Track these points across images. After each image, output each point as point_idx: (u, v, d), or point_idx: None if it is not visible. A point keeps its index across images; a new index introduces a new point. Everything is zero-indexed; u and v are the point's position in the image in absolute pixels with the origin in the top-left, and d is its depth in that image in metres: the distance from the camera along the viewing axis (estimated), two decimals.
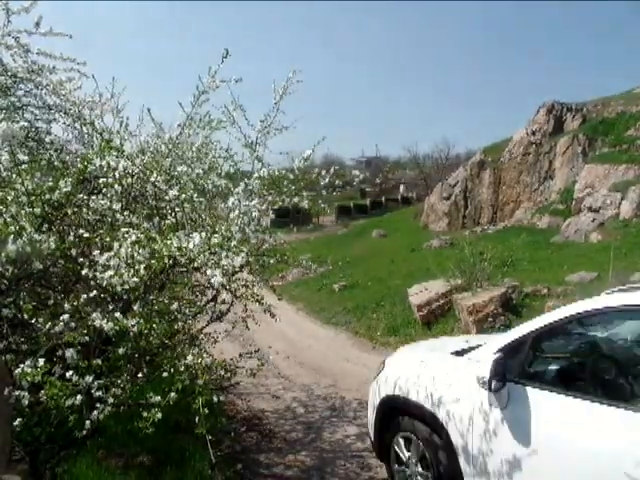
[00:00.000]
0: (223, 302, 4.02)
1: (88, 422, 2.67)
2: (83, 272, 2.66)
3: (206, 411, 2.57)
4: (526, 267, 11.05)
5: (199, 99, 3.42)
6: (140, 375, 3.03)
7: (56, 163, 3.21)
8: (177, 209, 3.35)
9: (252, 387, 6.13)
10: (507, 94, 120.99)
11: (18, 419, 2.60)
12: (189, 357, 2.65)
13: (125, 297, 2.96)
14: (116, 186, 3.07)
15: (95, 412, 2.68)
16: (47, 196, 2.81)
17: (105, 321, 2.55)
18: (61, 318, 2.66)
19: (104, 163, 2.89)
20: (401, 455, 3.33)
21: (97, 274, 2.64)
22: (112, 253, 2.56)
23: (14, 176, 2.58)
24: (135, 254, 2.57)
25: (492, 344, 2.87)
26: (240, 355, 4.14)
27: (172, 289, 3.86)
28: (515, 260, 10.97)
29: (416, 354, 3.68)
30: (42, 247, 2.50)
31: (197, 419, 2.46)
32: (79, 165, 2.95)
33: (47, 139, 3.79)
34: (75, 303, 2.75)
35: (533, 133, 19.67)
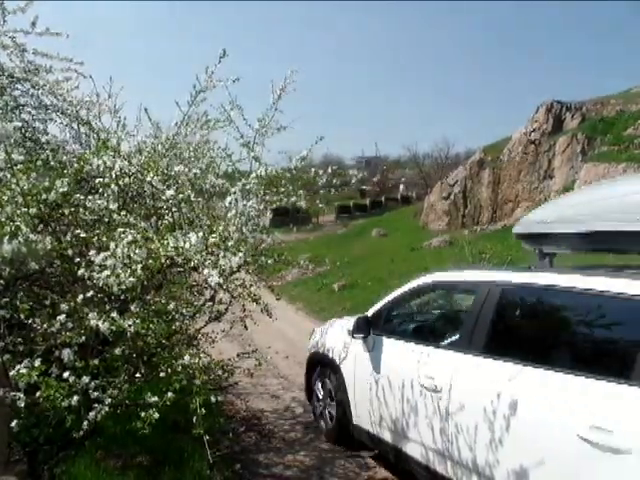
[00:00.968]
0: (220, 302, 4.01)
1: (85, 423, 2.66)
2: (79, 272, 2.64)
3: (204, 411, 2.56)
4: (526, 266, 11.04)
5: (196, 98, 3.41)
6: (138, 375, 3.03)
7: (52, 163, 3.20)
8: (174, 209, 3.34)
9: (251, 387, 6.12)
10: (507, 94, 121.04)
11: (15, 420, 2.59)
12: (186, 357, 2.64)
13: (122, 297, 2.95)
14: (113, 186, 3.06)
15: (92, 413, 2.67)
16: (43, 196, 2.79)
17: (102, 321, 2.54)
18: (58, 318, 2.66)
19: (100, 163, 2.88)
20: (319, 394, 4.75)
21: (94, 274, 2.63)
22: (108, 253, 2.55)
23: (9, 176, 2.57)
24: (132, 254, 2.56)
25: (368, 313, 4.16)
26: (238, 355, 4.13)
27: (170, 289, 3.85)
28: (515, 259, 10.95)
29: (332, 324, 4.84)
30: (38, 247, 2.49)
31: (194, 419, 2.45)
32: (75, 165, 2.94)
33: (44, 139, 3.78)
34: (72, 303, 2.74)
35: (532, 132, 19.66)
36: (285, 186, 3.45)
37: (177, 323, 3.44)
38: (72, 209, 3.04)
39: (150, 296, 3.19)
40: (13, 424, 2.56)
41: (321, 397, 4.68)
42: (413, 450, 3.36)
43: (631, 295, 2.28)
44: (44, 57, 3.86)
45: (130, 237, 2.59)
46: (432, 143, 64.37)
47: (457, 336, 3.34)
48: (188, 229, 3.06)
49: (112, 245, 2.60)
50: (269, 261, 3.99)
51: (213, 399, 2.76)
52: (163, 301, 3.29)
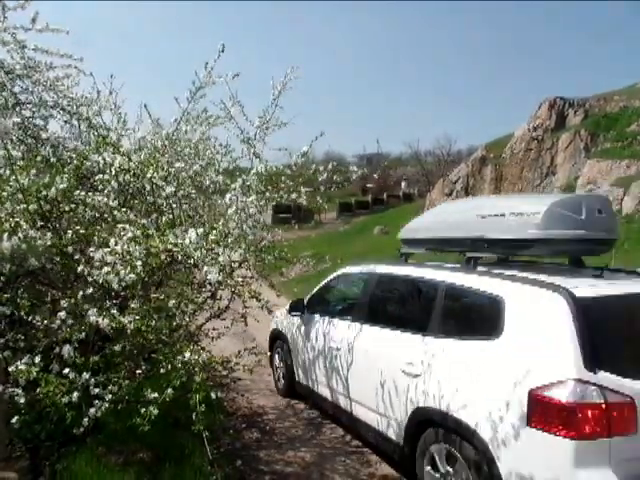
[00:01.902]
0: (220, 299, 4.01)
1: (86, 419, 2.66)
2: (79, 269, 2.65)
3: (204, 408, 2.56)
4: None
5: (196, 94, 3.40)
6: (138, 372, 3.03)
7: (52, 160, 3.20)
8: (174, 206, 3.34)
9: (252, 384, 6.12)
10: (507, 93, 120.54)
11: (16, 416, 2.60)
12: (186, 354, 2.64)
13: (122, 294, 2.96)
14: (113, 182, 3.05)
15: (93, 409, 2.68)
16: (43, 193, 2.80)
17: (102, 318, 2.54)
18: (58, 315, 2.66)
19: (100, 159, 2.87)
20: (276, 362, 5.93)
21: (94, 271, 2.63)
22: (108, 250, 2.54)
23: (7, 172, 2.57)
24: (132, 250, 2.56)
25: (305, 297, 5.39)
26: (239, 352, 4.13)
27: (170, 286, 3.85)
28: (517, 256, 10.91)
29: (286, 307, 5.57)
30: (38, 244, 2.49)
31: (194, 416, 2.45)
32: (75, 162, 2.93)
33: (44, 136, 3.77)
34: (72, 300, 2.74)
35: (535, 129, 19.59)
36: (285, 183, 3.44)
37: (178, 320, 3.44)
38: (72, 206, 3.04)
39: (150, 293, 3.19)
40: (14, 420, 2.56)
41: (277, 364, 5.92)
42: (324, 391, 4.71)
43: (428, 279, 3.67)
44: (44, 53, 3.86)
45: (130, 234, 2.59)
46: (434, 140, 64.18)
47: (351, 310, 4.54)
48: (188, 226, 3.06)
49: (112, 242, 2.60)
50: (270, 258, 3.99)
51: (213, 396, 2.76)
52: (163, 298, 3.28)
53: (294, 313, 5.30)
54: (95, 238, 2.91)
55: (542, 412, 2.54)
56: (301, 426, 5.00)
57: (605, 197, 4.65)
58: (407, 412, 3.37)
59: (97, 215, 3.28)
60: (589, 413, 2.44)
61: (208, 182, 3.77)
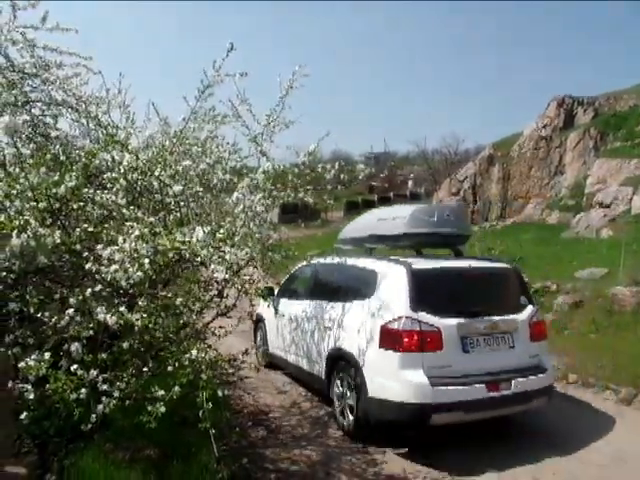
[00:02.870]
0: (227, 297, 4.02)
1: (94, 416, 2.68)
2: (87, 266, 2.66)
3: (211, 405, 2.57)
4: (535, 263, 10.94)
5: (204, 92, 3.40)
6: (145, 369, 3.04)
7: (62, 158, 3.22)
8: (182, 204, 3.35)
9: (259, 382, 6.13)
10: (516, 92, 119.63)
11: (25, 412, 2.62)
12: (193, 352, 2.65)
13: (130, 292, 2.97)
14: (121, 180, 3.07)
15: (101, 406, 2.70)
16: (53, 190, 2.81)
17: (109, 315, 2.55)
18: (67, 312, 2.68)
19: (109, 157, 2.89)
20: (257, 339, 6.93)
21: (102, 268, 2.65)
22: (116, 247, 2.56)
23: (17, 170, 2.59)
24: (139, 248, 2.57)
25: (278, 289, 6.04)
26: (246, 350, 4.14)
27: (178, 284, 3.86)
28: (524, 256, 10.87)
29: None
30: (47, 241, 2.51)
31: (201, 413, 2.46)
32: (84, 160, 2.95)
33: (54, 134, 3.80)
34: (81, 297, 2.76)
35: (544, 127, 19.45)
36: (292, 181, 3.44)
37: (185, 318, 3.46)
38: (81, 204, 3.06)
39: (158, 291, 3.21)
40: (23, 416, 2.59)
41: (257, 341, 6.91)
42: (282, 354, 5.95)
43: (341, 264, 5.04)
44: (54, 52, 3.89)
45: (138, 232, 2.60)
46: (441, 139, 63.98)
47: (302, 292, 5.78)
48: (196, 224, 3.07)
49: (120, 239, 2.62)
50: (276, 256, 3.99)
51: (220, 393, 2.77)
52: (171, 296, 3.30)
53: (268, 299, 5.52)
54: (103, 236, 2.93)
55: (386, 337, 4.03)
56: (307, 424, 5.01)
57: (455, 205, 7.27)
58: (326, 354, 4.80)
59: (105, 213, 3.30)
60: (411, 337, 3.93)
61: (216, 180, 3.78)
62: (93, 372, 2.63)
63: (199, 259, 2.66)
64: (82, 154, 3.15)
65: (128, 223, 2.77)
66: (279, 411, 5.38)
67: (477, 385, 3.96)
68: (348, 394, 4.45)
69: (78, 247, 2.86)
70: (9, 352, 2.80)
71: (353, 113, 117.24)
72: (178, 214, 3.36)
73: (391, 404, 4.00)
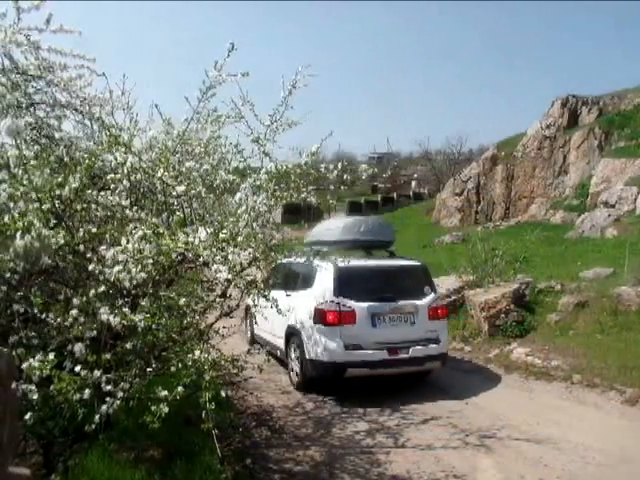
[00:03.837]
0: (230, 297, 4.02)
1: (97, 416, 2.69)
2: (90, 267, 2.67)
3: (214, 406, 2.57)
4: (539, 263, 10.90)
5: (206, 93, 3.40)
6: (149, 370, 3.05)
7: (66, 159, 3.23)
8: (185, 205, 3.36)
9: (262, 382, 6.14)
10: (519, 92, 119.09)
11: (29, 413, 2.63)
12: (196, 352, 2.65)
13: (133, 292, 2.98)
14: (124, 181, 3.08)
15: (105, 406, 2.70)
16: (57, 192, 2.82)
17: (113, 316, 2.56)
18: (70, 313, 2.69)
19: (112, 158, 2.90)
20: (247, 324, 7.85)
21: (105, 269, 2.66)
22: (120, 248, 2.57)
23: (20, 172, 2.60)
24: (143, 249, 2.58)
25: None
26: (248, 350, 4.14)
27: (181, 284, 3.87)
28: (528, 256, 10.83)
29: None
30: (50, 242, 2.52)
31: (204, 414, 2.46)
32: (87, 161, 2.96)
33: (57, 136, 3.81)
34: (84, 298, 2.77)
35: (547, 127, 19.38)
36: (295, 182, 3.44)
37: (188, 318, 3.47)
38: (84, 205, 3.07)
39: (161, 291, 3.22)
40: (27, 416, 2.59)
41: (247, 326, 7.88)
42: (261, 333, 6.99)
43: (299, 262, 5.89)
44: (58, 54, 3.89)
45: (141, 232, 2.61)
46: (444, 139, 63.91)
47: (277, 284, 6.26)
48: (199, 225, 3.08)
49: (124, 240, 2.62)
50: (279, 257, 3.99)
51: (223, 394, 2.77)
52: (172, 295, 3.30)
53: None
54: (107, 237, 2.94)
55: (316, 315, 5.61)
56: (311, 425, 5.01)
57: (378, 220, 7.73)
58: (284, 331, 6.25)
59: (109, 214, 3.31)
60: (332, 315, 5.55)
61: (218, 181, 3.77)
62: (97, 372, 2.64)
63: (202, 259, 2.66)
64: (86, 155, 3.16)
65: (131, 224, 2.78)
66: (282, 411, 5.38)
67: (381, 350, 5.58)
68: (295, 358, 6.07)
69: (82, 248, 2.87)
70: (13, 353, 2.81)
71: (356, 113, 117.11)
72: (181, 215, 3.37)
73: (320, 363, 5.62)
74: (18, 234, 2.42)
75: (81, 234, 2.93)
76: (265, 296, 3.53)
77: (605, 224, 13.58)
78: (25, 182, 2.52)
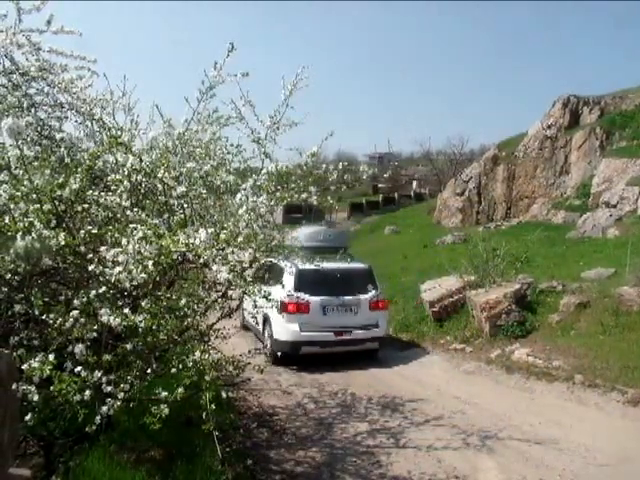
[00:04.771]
0: (231, 298, 4.02)
1: (98, 417, 2.68)
2: (91, 268, 2.67)
3: (214, 407, 2.57)
4: (541, 263, 10.88)
5: (206, 94, 3.40)
6: (149, 371, 3.05)
7: (67, 160, 3.23)
8: (186, 205, 3.36)
9: (263, 383, 6.14)
10: (521, 92, 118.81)
11: (30, 414, 2.62)
12: (197, 353, 2.65)
13: (134, 293, 2.98)
14: (125, 182, 3.07)
15: (105, 407, 2.70)
16: (58, 192, 2.82)
17: (113, 317, 2.56)
18: (71, 314, 2.68)
19: (112, 159, 2.89)
20: (240, 312, 7.53)
21: (106, 270, 2.65)
22: (120, 249, 2.56)
23: (20, 172, 2.60)
24: (143, 250, 2.58)
25: None
26: (249, 351, 4.14)
27: (182, 285, 3.87)
28: (530, 256, 10.80)
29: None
30: (51, 243, 2.52)
31: (204, 414, 2.46)
32: (87, 162, 2.96)
33: (58, 137, 3.81)
34: (85, 299, 2.76)
35: (549, 127, 19.33)
36: (296, 182, 3.44)
37: (189, 319, 3.46)
38: (85, 206, 3.06)
39: (162, 292, 3.21)
40: (28, 417, 2.59)
41: (239, 314, 8.29)
42: (249, 319, 6.89)
43: (276, 263, 6.78)
44: (59, 55, 3.89)
45: (141, 233, 2.60)
46: (445, 140, 63.84)
47: (259, 279, 6.49)
48: (199, 225, 3.07)
49: (124, 241, 2.62)
50: (280, 258, 3.97)
51: (224, 395, 2.77)
52: (175, 297, 3.30)
53: None
54: (108, 238, 2.93)
55: (282, 306, 6.60)
56: (312, 426, 5.00)
57: (337, 229, 10.35)
58: (261, 317, 7.25)
59: (110, 215, 3.30)
60: (292, 305, 7.05)
61: (219, 182, 3.77)
62: (97, 373, 2.64)
63: (202, 260, 2.65)
64: (86, 156, 3.16)
65: (132, 225, 2.77)
66: (283, 412, 5.38)
67: (329, 332, 7.21)
68: (268, 338, 7.53)
69: (82, 249, 2.87)
70: (14, 354, 2.81)
71: (358, 113, 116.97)
72: (182, 215, 3.37)
73: (282, 341, 7.20)
74: (19, 235, 2.42)
75: (82, 235, 2.92)
76: (266, 297, 3.52)
77: (607, 224, 13.55)
78: (26, 183, 2.52)
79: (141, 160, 3.04)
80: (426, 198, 38.15)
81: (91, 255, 2.81)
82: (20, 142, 2.45)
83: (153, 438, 3.69)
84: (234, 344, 5.04)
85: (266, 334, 7.62)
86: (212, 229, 2.70)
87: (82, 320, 2.69)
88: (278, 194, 3.22)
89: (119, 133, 3.53)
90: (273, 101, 3.66)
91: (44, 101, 4.07)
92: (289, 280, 6.90)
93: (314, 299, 7.17)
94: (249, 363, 4.00)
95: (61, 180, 2.87)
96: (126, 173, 3.06)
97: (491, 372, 6.79)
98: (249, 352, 4.23)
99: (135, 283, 2.63)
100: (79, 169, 2.98)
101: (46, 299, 3.02)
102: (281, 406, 5.56)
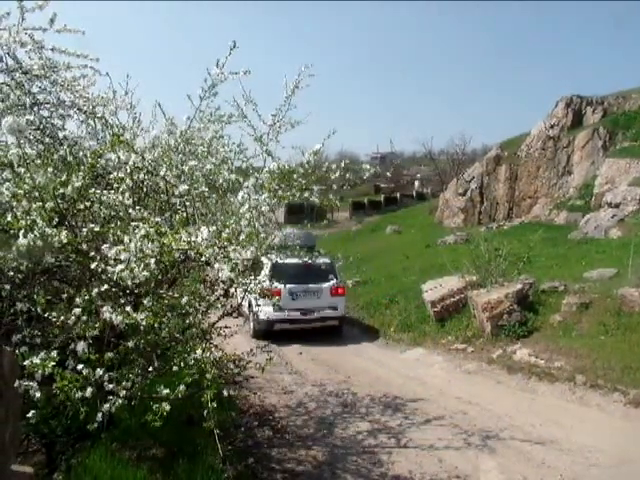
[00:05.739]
0: (233, 296, 4.02)
1: (100, 415, 2.69)
2: (93, 266, 2.67)
3: (215, 405, 2.57)
4: (543, 263, 10.86)
5: (208, 91, 3.39)
6: (151, 369, 3.05)
7: (69, 159, 3.23)
8: (188, 204, 3.36)
9: (265, 382, 6.15)
10: (524, 92, 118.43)
11: (32, 411, 2.63)
12: (198, 351, 2.65)
13: (136, 291, 2.98)
14: (127, 180, 3.08)
15: (107, 405, 2.71)
16: (60, 191, 2.83)
17: (115, 315, 2.56)
18: (73, 312, 2.69)
19: (115, 157, 2.89)
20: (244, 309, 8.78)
21: (108, 268, 2.66)
22: (122, 247, 2.56)
23: (23, 171, 2.60)
24: (145, 248, 2.58)
25: None
26: (251, 350, 4.15)
27: (183, 284, 3.87)
28: (532, 256, 10.78)
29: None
30: (53, 241, 2.52)
31: (206, 413, 2.46)
32: (90, 160, 2.96)
33: (61, 135, 3.82)
34: (87, 297, 2.77)
35: (551, 127, 19.29)
36: (298, 181, 3.43)
37: (190, 318, 3.46)
38: (87, 204, 3.07)
39: (164, 290, 3.22)
40: (30, 414, 2.60)
41: (247, 312, 9.37)
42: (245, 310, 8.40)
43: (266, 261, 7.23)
44: (62, 54, 3.90)
45: (144, 231, 2.60)
46: (448, 139, 63.70)
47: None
48: (201, 224, 3.07)
49: (126, 239, 2.62)
50: (282, 256, 3.97)
51: (225, 393, 2.77)
52: (177, 295, 3.30)
53: None
54: (110, 236, 2.94)
55: (260, 292, 5.59)
56: (313, 425, 5.01)
57: (306, 232, 10.11)
58: (249, 302, 8.00)
59: (112, 213, 3.31)
60: (268, 292, 5.56)
61: (221, 180, 3.77)
62: (99, 371, 2.64)
63: (204, 258, 2.65)
64: (88, 154, 3.16)
65: (134, 223, 2.77)
66: (285, 411, 5.39)
67: (296, 312, 8.99)
68: (252, 317, 9.05)
69: (85, 247, 2.88)
70: (16, 351, 2.81)
71: (360, 113, 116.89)
72: (184, 214, 3.37)
73: (261, 319, 8.87)
74: (21, 233, 2.42)
75: (84, 233, 2.93)
76: (268, 295, 3.54)
77: (609, 224, 13.51)
78: (28, 181, 2.52)
79: (143, 158, 3.04)
80: (428, 198, 38.11)
81: (93, 253, 2.82)
82: (22, 140, 2.45)
83: (154, 436, 3.69)
84: (236, 343, 5.05)
85: (251, 316, 9.29)
86: (214, 227, 2.70)
87: (84, 318, 2.70)
88: (280, 193, 3.22)
89: (121, 131, 3.54)
90: (273, 101, 3.66)
91: (47, 99, 4.07)
92: (266, 271, 8.21)
93: (285, 287, 8.86)
94: (250, 361, 4.01)
95: (64, 178, 2.88)
96: (128, 171, 3.06)
97: (492, 372, 6.77)
98: (251, 350, 4.23)
99: (137, 281, 2.63)
100: (82, 167, 2.98)
101: (48, 297, 3.03)
102: (282, 405, 5.56)
